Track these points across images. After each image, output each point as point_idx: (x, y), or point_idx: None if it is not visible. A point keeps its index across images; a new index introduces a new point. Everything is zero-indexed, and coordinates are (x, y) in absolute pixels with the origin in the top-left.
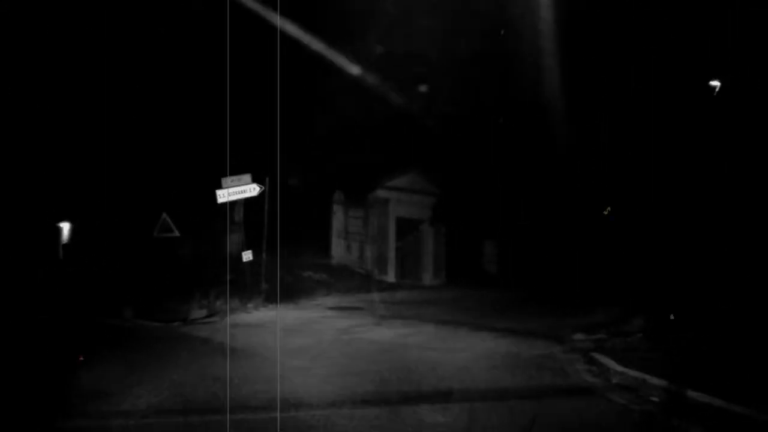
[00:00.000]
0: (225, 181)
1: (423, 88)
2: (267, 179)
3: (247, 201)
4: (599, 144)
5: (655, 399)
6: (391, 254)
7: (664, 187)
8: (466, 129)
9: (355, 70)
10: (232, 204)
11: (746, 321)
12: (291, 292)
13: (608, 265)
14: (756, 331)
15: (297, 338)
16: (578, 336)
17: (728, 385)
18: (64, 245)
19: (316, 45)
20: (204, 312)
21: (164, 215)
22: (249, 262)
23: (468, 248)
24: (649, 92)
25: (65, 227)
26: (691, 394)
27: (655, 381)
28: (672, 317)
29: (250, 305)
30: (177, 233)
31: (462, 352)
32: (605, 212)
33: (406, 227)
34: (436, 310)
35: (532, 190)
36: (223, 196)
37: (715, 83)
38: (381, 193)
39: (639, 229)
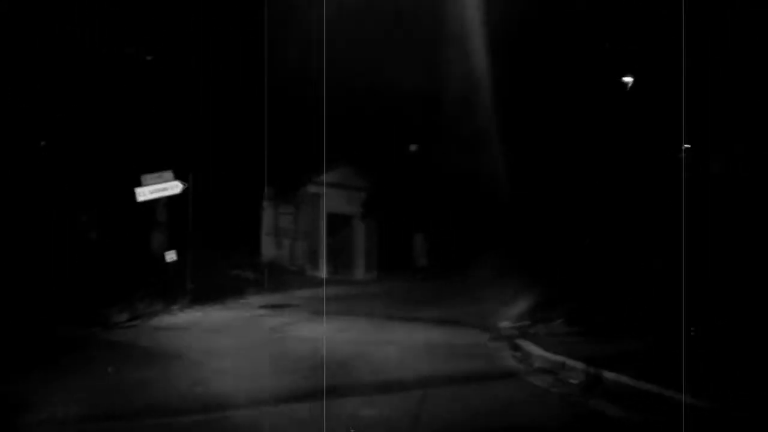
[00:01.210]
0: (145, 178)
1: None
2: (191, 176)
3: (171, 199)
4: (522, 132)
5: (574, 381)
6: (323, 250)
7: (579, 178)
8: (394, 122)
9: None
10: (155, 202)
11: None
12: (219, 292)
13: (532, 253)
14: (665, 314)
15: (225, 339)
16: (504, 324)
17: (640, 365)
18: None
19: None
20: (126, 315)
21: (81, 215)
22: (173, 263)
23: (399, 242)
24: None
25: None
26: (607, 375)
27: (573, 364)
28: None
29: (175, 307)
30: (94, 234)
31: (394, 344)
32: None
33: (338, 222)
34: (369, 305)
35: (459, 181)
36: (144, 194)
37: (628, 79)
38: (312, 188)
39: (561, 217)
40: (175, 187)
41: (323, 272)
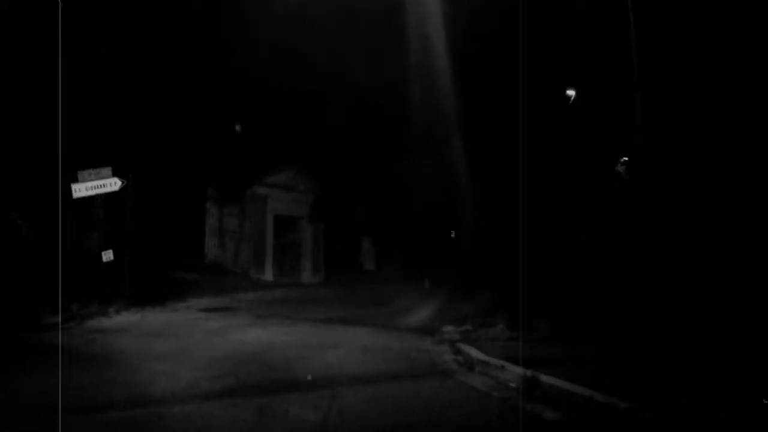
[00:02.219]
0: (82, 174)
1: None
2: (131, 173)
3: (108, 196)
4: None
5: (512, 385)
6: (269, 252)
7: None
8: (344, 126)
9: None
10: (91, 199)
11: (597, 310)
12: (159, 294)
13: (476, 259)
14: (604, 320)
15: (164, 342)
16: (447, 328)
17: (577, 369)
18: None
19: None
20: (59, 318)
21: (10, 212)
22: (110, 263)
23: (346, 245)
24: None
25: None
26: (544, 379)
27: (512, 368)
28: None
29: (111, 309)
30: (26, 232)
31: (337, 348)
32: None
33: (285, 225)
34: (314, 308)
35: (410, 188)
36: (80, 190)
37: (571, 92)
38: (258, 189)
39: (501, 224)
40: (113, 184)
41: (269, 275)
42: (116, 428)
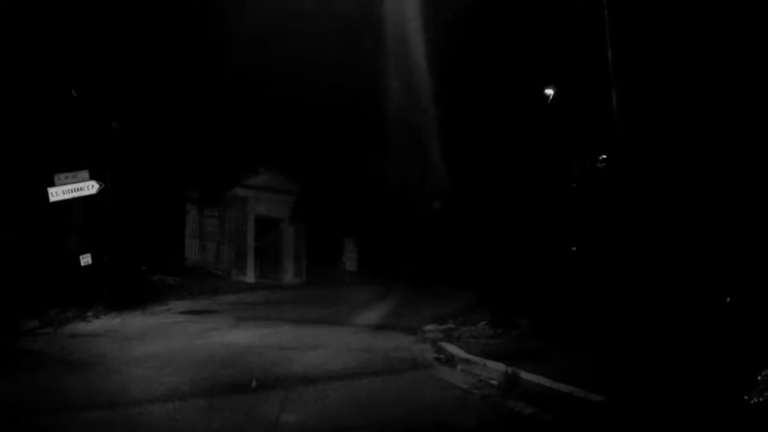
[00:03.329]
0: (59, 177)
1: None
2: (108, 175)
3: (86, 199)
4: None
5: (493, 382)
6: (250, 254)
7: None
8: (326, 128)
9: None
10: (69, 203)
11: (579, 307)
12: (138, 298)
13: (457, 259)
14: (586, 317)
15: (144, 346)
16: (429, 327)
17: (558, 366)
18: None
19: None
20: (36, 322)
21: None
22: (88, 266)
23: (328, 247)
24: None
25: None
26: (525, 376)
27: (493, 365)
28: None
29: (89, 313)
30: (2, 236)
31: (319, 349)
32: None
33: (266, 226)
34: (296, 310)
35: (391, 188)
36: (57, 194)
37: (549, 91)
38: (239, 191)
39: (482, 225)
40: (91, 187)
41: (250, 276)
42: (95, 428)
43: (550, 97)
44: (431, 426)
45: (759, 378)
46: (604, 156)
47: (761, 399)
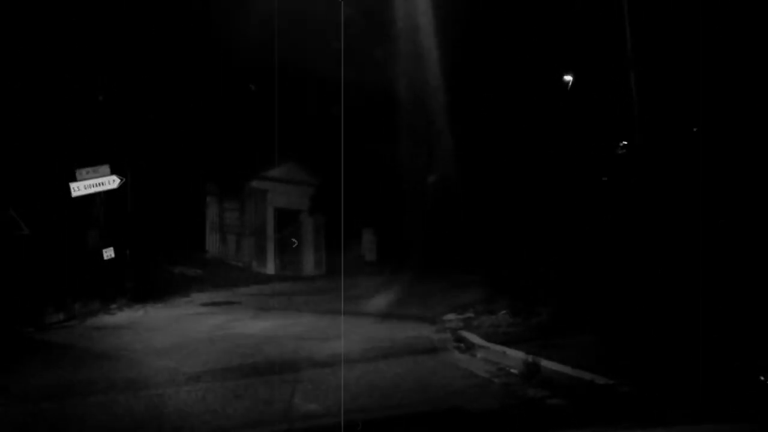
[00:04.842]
0: (80, 172)
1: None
2: (129, 171)
3: (108, 193)
4: (472, 131)
5: (514, 370)
6: (270, 246)
7: (525, 177)
8: (342, 119)
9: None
10: (91, 197)
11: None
12: (160, 290)
13: (478, 247)
14: (607, 306)
15: (167, 337)
16: (449, 316)
17: (579, 354)
18: None
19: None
20: (61, 315)
21: (10, 211)
22: (111, 260)
23: (347, 237)
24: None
25: None
26: (545, 364)
27: (513, 353)
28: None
29: (113, 306)
30: (26, 231)
31: (339, 339)
32: None
33: (285, 218)
34: (316, 301)
35: (410, 177)
36: (78, 189)
37: (569, 78)
38: (258, 183)
39: (508, 215)
40: (111, 182)
41: (270, 268)
42: (117, 410)
43: (569, 84)
44: (451, 413)
45: None
46: (625, 142)
47: None
